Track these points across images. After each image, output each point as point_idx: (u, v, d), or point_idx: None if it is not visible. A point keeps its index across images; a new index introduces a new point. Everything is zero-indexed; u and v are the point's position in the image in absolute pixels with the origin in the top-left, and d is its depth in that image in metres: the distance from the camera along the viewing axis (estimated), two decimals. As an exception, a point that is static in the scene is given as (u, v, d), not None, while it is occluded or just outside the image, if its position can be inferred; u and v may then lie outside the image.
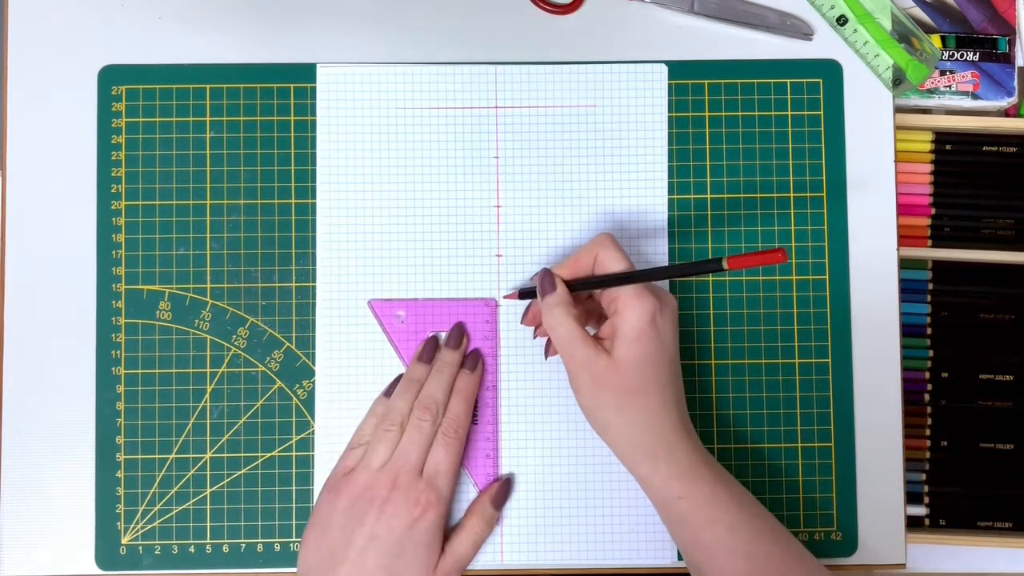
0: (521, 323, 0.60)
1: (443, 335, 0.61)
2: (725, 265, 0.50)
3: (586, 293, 0.58)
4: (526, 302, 0.60)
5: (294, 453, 0.61)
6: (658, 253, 0.62)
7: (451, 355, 0.59)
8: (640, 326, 0.53)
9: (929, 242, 0.65)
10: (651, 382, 0.53)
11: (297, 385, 0.61)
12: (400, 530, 0.55)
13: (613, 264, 0.55)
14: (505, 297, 0.61)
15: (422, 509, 0.55)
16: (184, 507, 0.60)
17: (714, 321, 0.62)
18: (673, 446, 0.54)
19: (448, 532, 0.58)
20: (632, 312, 0.53)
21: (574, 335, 0.54)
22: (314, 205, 0.62)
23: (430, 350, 0.60)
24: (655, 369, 0.53)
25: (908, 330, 0.65)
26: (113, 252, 0.62)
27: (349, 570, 0.54)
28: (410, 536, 0.55)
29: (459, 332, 0.60)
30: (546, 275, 0.56)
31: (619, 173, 0.62)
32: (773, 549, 0.53)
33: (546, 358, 0.61)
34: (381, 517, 0.55)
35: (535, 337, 0.61)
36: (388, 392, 0.60)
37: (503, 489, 0.60)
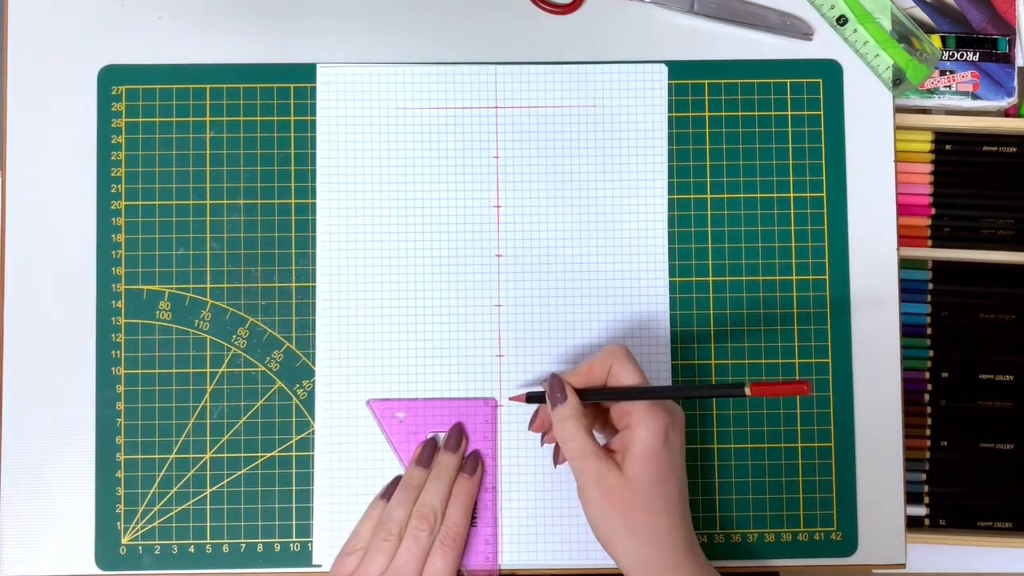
0: (529, 429, 0.59)
1: (442, 436, 0.60)
2: (748, 392, 0.50)
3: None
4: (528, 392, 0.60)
5: (294, 453, 0.61)
6: (658, 253, 0.62)
7: (450, 459, 0.59)
8: (653, 444, 0.52)
9: (929, 242, 0.65)
10: (662, 501, 0.52)
11: (297, 385, 0.61)
12: None
13: (627, 378, 0.54)
14: (511, 399, 0.60)
15: None
16: (184, 507, 0.60)
17: (714, 321, 0.62)
18: (680, 566, 0.53)
19: None
20: (645, 430, 0.52)
21: (586, 449, 0.53)
22: (314, 205, 0.62)
23: (428, 453, 0.59)
24: (666, 488, 0.53)
25: (908, 330, 0.65)
26: (113, 252, 0.62)
27: None
28: None
29: (458, 434, 0.60)
30: (557, 383, 0.56)
31: (619, 173, 0.62)
32: None
33: (555, 466, 0.60)
34: None
35: (543, 444, 0.60)
36: (385, 495, 0.58)
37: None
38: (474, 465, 0.59)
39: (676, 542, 0.53)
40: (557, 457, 0.59)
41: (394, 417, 0.60)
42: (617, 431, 0.55)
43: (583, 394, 0.55)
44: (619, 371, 0.55)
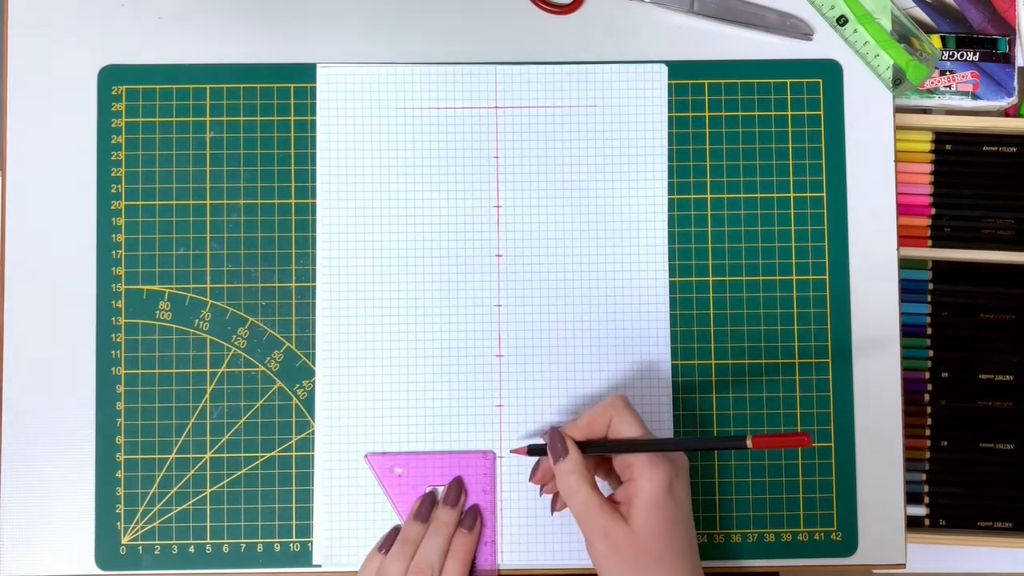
0: (530, 481, 0.59)
1: (440, 489, 0.60)
2: (749, 444, 0.51)
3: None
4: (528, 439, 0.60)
5: (294, 453, 0.61)
6: (658, 253, 0.62)
7: (448, 514, 0.58)
8: (657, 495, 0.52)
9: (929, 242, 0.65)
10: (670, 552, 0.52)
11: (297, 385, 0.61)
12: None
13: (627, 430, 0.54)
14: (512, 451, 0.60)
15: None
16: (184, 507, 0.60)
17: (714, 321, 0.62)
18: None
19: None
20: (648, 482, 0.52)
21: (591, 503, 0.53)
22: (314, 205, 0.62)
23: (427, 507, 0.59)
24: (674, 538, 0.52)
25: (908, 330, 0.65)
26: (113, 252, 0.62)
27: None
28: None
29: (457, 488, 0.59)
30: (558, 437, 0.55)
31: (619, 173, 0.62)
32: None
33: (552, 513, 0.60)
34: None
35: (541, 495, 0.60)
36: (382, 547, 0.58)
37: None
38: (473, 520, 0.59)
39: None
40: (555, 505, 0.59)
41: (392, 471, 0.60)
42: (621, 481, 0.55)
43: (585, 446, 0.55)
44: (619, 423, 0.55)
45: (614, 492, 0.55)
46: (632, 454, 0.53)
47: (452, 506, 0.59)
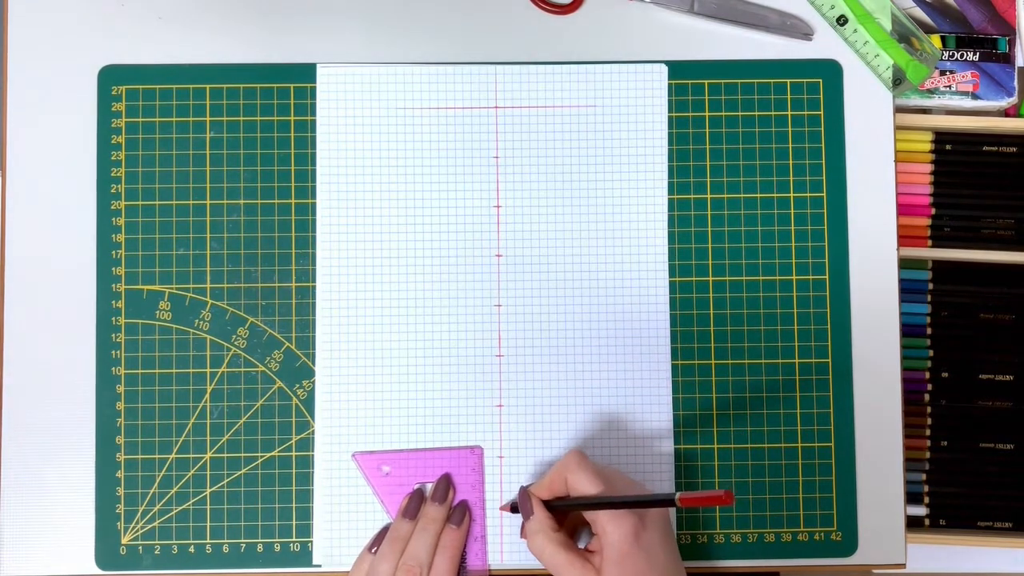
0: (521, 537, 0.58)
1: (429, 486, 0.60)
2: (677, 502, 0.50)
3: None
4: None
5: (294, 453, 0.61)
6: (658, 253, 0.62)
7: (436, 510, 0.58)
8: (623, 548, 0.52)
9: (929, 242, 0.65)
10: None
11: (297, 385, 0.61)
12: None
13: (584, 487, 0.54)
14: (500, 508, 0.60)
15: None
16: (184, 507, 0.60)
17: (714, 321, 0.62)
18: None
19: None
20: (612, 536, 0.52)
21: (559, 560, 0.53)
22: (314, 205, 0.62)
23: (415, 505, 0.59)
24: None
25: (908, 330, 0.65)
26: (113, 252, 0.62)
27: None
28: None
29: (445, 485, 0.59)
30: (524, 497, 0.56)
31: (619, 173, 0.62)
32: None
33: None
34: None
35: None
36: (371, 547, 0.58)
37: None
38: (461, 516, 0.59)
39: None
40: None
41: (379, 470, 0.60)
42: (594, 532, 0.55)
43: (551, 504, 0.55)
44: (575, 481, 0.54)
45: (589, 543, 0.55)
46: (591, 517, 0.53)
47: (440, 503, 0.59)
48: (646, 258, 0.62)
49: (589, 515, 0.54)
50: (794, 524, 0.61)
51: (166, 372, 0.61)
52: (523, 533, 0.56)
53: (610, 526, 0.52)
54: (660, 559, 0.53)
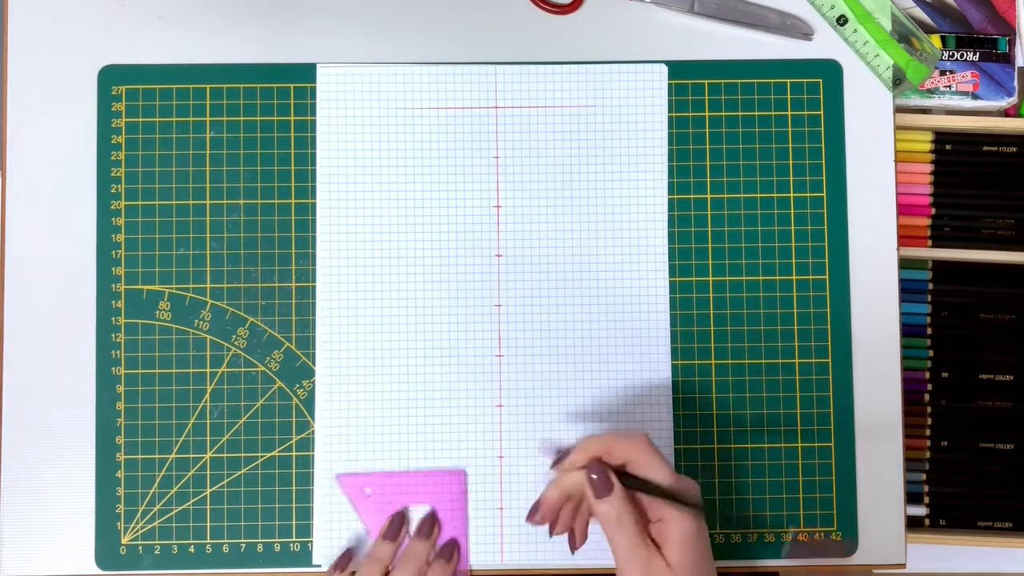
0: (528, 521, 0.56)
1: (412, 510, 0.59)
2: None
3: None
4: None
5: (294, 453, 0.61)
6: (658, 253, 0.62)
7: (421, 545, 0.58)
8: (693, 531, 0.52)
9: (929, 242, 0.65)
10: None
11: (297, 385, 0.61)
12: None
13: (654, 473, 0.53)
14: (551, 466, 0.56)
15: None
16: (184, 507, 0.60)
17: (714, 321, 0.62)
18: None
19: None
20: (683, 520, 0.52)
21: (635, 538, 0.52)
22: (314, 205, 0.62)
23: (396, 527, 0.58)
24: (707, 573, 0.53)
25: (908, 330, 0.65)
26: (113, 252, 0.62)
27: None
28: None
29: (430, 522, 0.59)
30: (602, 474, 0.53)
31: (619, 173, 0.62)
32: None
33: (573, 552, 0.58)
34: None
35: (552, 536, 0.57)
36: (337, 566, 0.58)
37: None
38: (450, 552, 0.59)
39: None
40: (575, 544, 0.57)
41: (362, 491, 0.60)
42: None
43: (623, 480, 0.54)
44: (642, 464, 0.53)
45: (648, 529, 0.54)
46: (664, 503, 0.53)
47: (425, 538, 0.58)
48: (646, 258, 0.62)
49: (652, 500, 0.53)
50: (794, 524, 0.61)
51: (166, 372, 0.61)
52: (535, 517, 0.55)
53: (680, 517, 0.52)
54: (710, 555, 0.53)
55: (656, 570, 0.52)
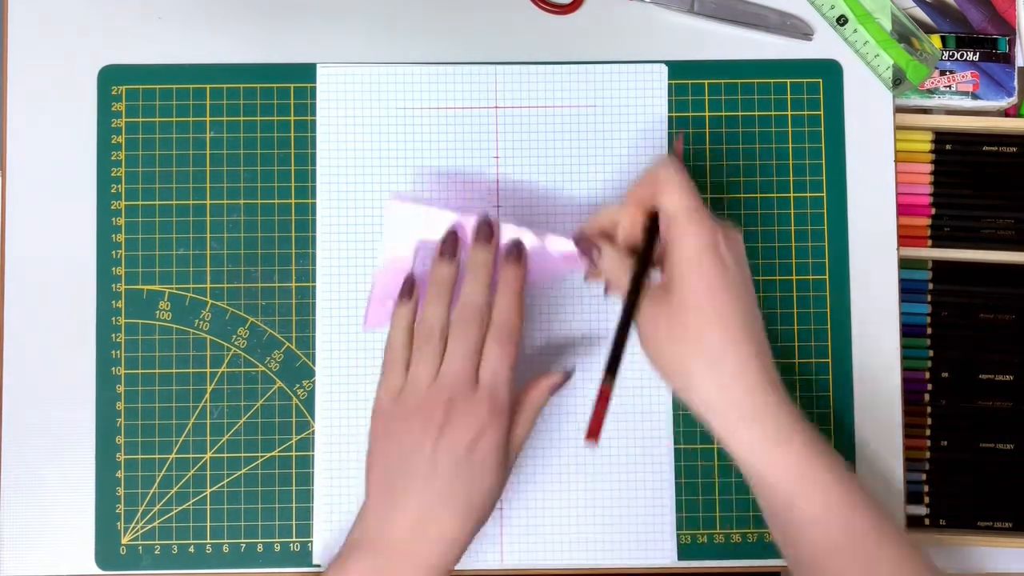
0: (586, 280, 0.56)
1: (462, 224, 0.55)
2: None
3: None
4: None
5: (294, 453, 0.61)
6: (658, 253, 0.62)
7: (484, 253, 0.54)
8: (693, 256, 0.48)
9: (929, 242, 0.65)
10: (717, 317, 0.48)
11: (297, 385, 0.61)
12: (462, 452, 0.51)
13: (674, 201, 0.50)
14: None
15: (481, 427, 0.51)
16: (184, 507, 0.60)
17: (714, 321, 0.62)
18: (759, 409, 0.49)
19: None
20: (687, 241, 0.49)
21: (627, 286, 0.51)
22: (314, 205, 0.62)
23: (452, 244, 0.54)
24: (720, 302, 0.48)
25: (908, 330, 0.65)
26: (113, 252, 0.62)
27: (417, 501, 0.51)
28: (473, 457, 0.51)
29: (487, 226, 0.54)
30: (583, 239, 0.53)
31: (619, 173, 0.62)
32: (871, 522, 0.49)
33: (606, 295, 0.58)
34: (440, 440, 0.51)
35: (607, 294, 0.57)
36: (403, 294, 0.54)
37: (563, 379, 0.55)
38: (519, 251, 0.54)
39: (750, 383, 0.49)
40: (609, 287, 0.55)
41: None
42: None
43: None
44: (666, 193, 0.50)
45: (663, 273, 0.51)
46: (671, 218, 0.49)
47: (486, 242, 0.54)
48: (646, 258, 0.62)
49: (665, 225, 0.50)
50: (794, 524, 0.61)
51: (166, 372, 0.61)
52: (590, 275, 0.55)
53: (688, 229, 0.48)
54: (735, 279, 0.49)
55: (657, 310, 0.49)
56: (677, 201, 0.50)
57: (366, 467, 0.54)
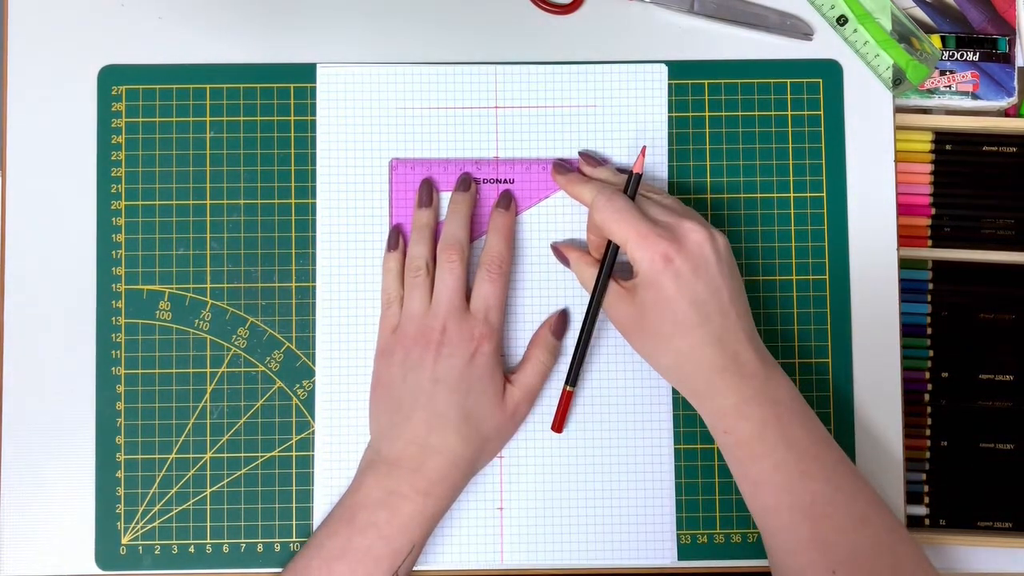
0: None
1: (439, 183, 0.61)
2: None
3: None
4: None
5: (294, 453, 0.61)
6: (658, 253, 0.62)
7: (461, 195, 0.60)
8: (648, 272, 0.53)
9: (929, 242, 0.65)
10: (670, 326, 0.53)
11: (297, 385, 0.61)
12: (461, 367, 0.56)
13: (584, 196, 0.58)
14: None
15: (476, 342, 0.56)
16: (184, 507, 0.60)
17: (714, 321, 0.62)
18: (714, 385, 0.53)
19: (513, 368, 0.60)
20: (642, 262, 0.53)
21: (606, 289, 0.56)
22: (314, 205, 0.62)
23: (428, 192, 0.60)
24: (671, 312, 0.53)
25: (908, 330, 0.65)
26: (113, 252, 0.62)
27: (422, 416, 0.55)
28: (472, 371, 0.56)
29: (466, 179, 0.60)
30: (555, 250, 0.60)
31: (619, 173, 0.62)
32: (822, 489, 0.52)
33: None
34: (439, 358, 0.56)
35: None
36: (391, 247, 0.60)
37: (562, 319, 0.60)
38: (508, 200, 0.60)
39: (705, 362, 0.53)
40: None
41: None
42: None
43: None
44: (591, 216, 0.57)
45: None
46: (623, 237, 0.54)
47: (464, 190, 0.60)
48: (646, 258, 0.62)
49: (625, 249, 0.55)
50: (794, 524, 0.61)
51: (166, 372, 0.61)
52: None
53: (638, 252, 0.53)
54: (692, 287, 0.53)
55: (624, 310, 0.55)
56: (621, 235, 0.54)
57: (370, 401, 0.58)
